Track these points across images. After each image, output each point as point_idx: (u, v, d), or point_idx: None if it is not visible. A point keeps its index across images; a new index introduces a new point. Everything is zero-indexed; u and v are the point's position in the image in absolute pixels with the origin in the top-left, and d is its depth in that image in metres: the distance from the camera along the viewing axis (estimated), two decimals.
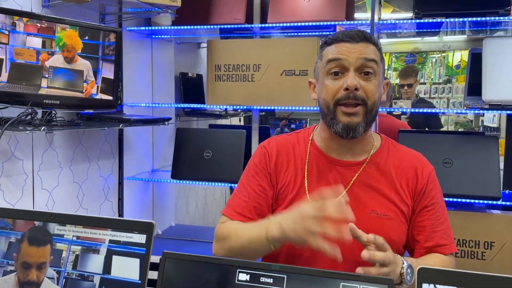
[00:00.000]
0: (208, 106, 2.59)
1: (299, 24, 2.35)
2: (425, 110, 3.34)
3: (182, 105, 2.86)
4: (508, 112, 2.10)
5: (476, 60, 2.55)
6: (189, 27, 2.49)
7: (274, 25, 2.40)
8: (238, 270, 0.78)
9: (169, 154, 3.06)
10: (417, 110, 2.81)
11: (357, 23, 2.29)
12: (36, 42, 1.73)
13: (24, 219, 0.88)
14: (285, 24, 2.38)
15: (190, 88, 3.26)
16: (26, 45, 1.69)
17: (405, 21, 2.17)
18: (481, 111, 2.24)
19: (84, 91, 1.87)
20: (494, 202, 2.21)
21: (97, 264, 0.81)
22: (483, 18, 2.13)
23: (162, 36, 2.85)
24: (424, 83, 8.48)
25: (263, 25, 2.45)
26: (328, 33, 2.47)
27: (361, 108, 1.20)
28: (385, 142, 1.36)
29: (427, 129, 4.18)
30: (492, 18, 2.11)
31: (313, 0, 2.35)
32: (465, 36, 7.01)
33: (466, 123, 8.33)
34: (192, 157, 2.56)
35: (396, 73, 7.36)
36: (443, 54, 8.30)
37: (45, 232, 0.84)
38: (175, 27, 2.52)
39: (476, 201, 2.17)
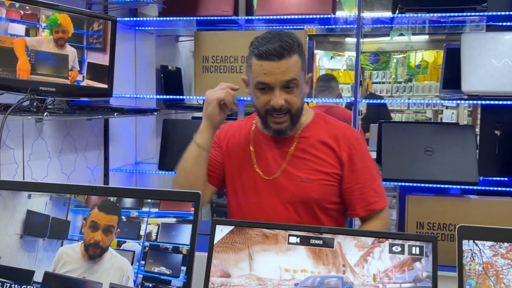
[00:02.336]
0: (192, 97, 2.61)
1: (287, 17, 2.41)
2: (408, 101, 3.47)
3: (169, 97, 2.86)
4: (486, 102, 2.22)
5: (451, 55, 2.69)
6: (176, 18, 2.50)
7: (262, 17, 2.44)
8: (288, 234, 0.82)
9: (151, 147, 3.05)
10: (407, 101, 2.93)
11: (344, 17, 2.37)
12: (18, 29, 1.69)
13: (65, 193, 0.89)
14: (273, 17, 2.43)
15: (170, 81, 3.26)
16: (8, 32, 1.64)
17: (395, 15, 2.26)
18: (461, 102, 2.36)
19: (69, 77, 1.84)
20: (470, 187, 2.34)
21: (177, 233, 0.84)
22: (462, 14, 2.25)
23: (146, 28, 2.84)
24: (384, 82, 8.76)
25: (252, 17, 2.49)
26: (315, 26, 2.54)
27: (287, 116, 1.46)
28: (317, 118, 1.60)
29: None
30: (470, 14, 2.24)
31: None
32: (427, 36, 7.30)
33: (425, 120, 8.66)
34: (179, 148, 2.55)
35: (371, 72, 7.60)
36: (404, 55, 8.59)
37: (115, 205, 0.87)
38: (164, 18, 2.52)
39: (456, 186, 2.29)
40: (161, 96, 2.89)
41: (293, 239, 0.82)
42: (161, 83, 3.15)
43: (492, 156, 2.47)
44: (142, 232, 0.85)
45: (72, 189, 0.90)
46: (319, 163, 1.52)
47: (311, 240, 0.81)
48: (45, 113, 1.55)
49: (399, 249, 0.78)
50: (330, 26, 2.63)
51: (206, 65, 2.51)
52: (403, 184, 2.34)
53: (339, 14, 2.70)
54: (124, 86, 2.70)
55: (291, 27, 2.63)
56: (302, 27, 2.58)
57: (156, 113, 2.35)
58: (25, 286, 0.84)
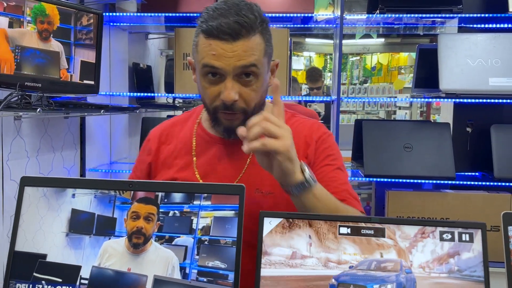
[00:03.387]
0: (164, 95, 2.57)
1: (270, 15, 2.41)
2: (387, 98, 3.55)
3: (143, 95, 2.79)
4: (460, 100, 2.32)
5: (423, 56, 2.79)
6: (158, 14, 2.45)
7: None
8: (338, 224, 0.82)
9: (124, 146, 2.98)
10: (403, 99, 3.00)
11: (326, 15, 2.40)
12: (1, 21, 1.60)
13: (102, 188, 0.86)
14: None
15: (141, 79, 3.19)
16: None
17: (375, 15, 2.32)
18: (438, 100, 2.46)
19: (61, 76, 1.77)
20: (444, 182, 2.44)
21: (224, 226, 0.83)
22: (439, 15, 2.34)
23: (120, 24, 2.76)
24: (343, 84, 8.97)
25: None
26: (298, 25, 2.56)
27: (240, 115, 1.10)
28: None
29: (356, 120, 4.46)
30: (445, 15, 2.33)
31: None
32: (383, 39, 7.55)
33: (378, 119, 8.93)
34: None
35: (331, 74, 7.73)
36: (360, 57, 8.84)
37: (153, 198, 0.85)
38: (144, 14, 2.46)
39: (434, 181, 2.38)
40: (140, 94, 2.82)
41: (343, 230, 0.82)
42: (133, 81, 3.08)
43: (464, 152, 2.58)
44: (194, 226, 0.83)
45: (107, 185, 0.87)
46: None
47: (362, 230, 0.82)
48: (38, 109, 1.48)
49: (449, 236, 0.80)
50: (310, 26, 2.66)
51: (186, 62, 2.48)
52: (383, 180, 2.41)
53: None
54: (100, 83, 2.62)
55: (277, 25, 2.64)
56: (284, 25, 2.59)
57: (137, 111, 2.29)
58: (72, 282, 0.82)
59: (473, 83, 2.28)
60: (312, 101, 4.79)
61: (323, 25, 2.66)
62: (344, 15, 2.37)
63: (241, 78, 1.07)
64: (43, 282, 0.82)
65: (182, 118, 1.31)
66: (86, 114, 2.03)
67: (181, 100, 3.28)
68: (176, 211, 0.84)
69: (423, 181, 2.39)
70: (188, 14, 2.46)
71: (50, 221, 0.85)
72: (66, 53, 1.77)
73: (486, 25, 2.49)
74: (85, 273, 0.82)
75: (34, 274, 0.82)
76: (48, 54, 1.71)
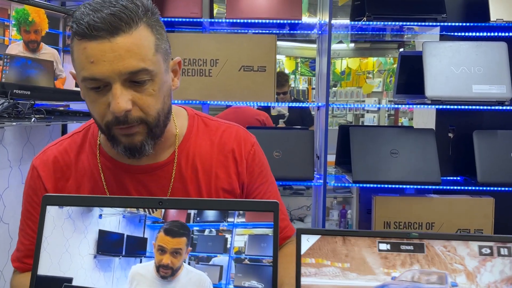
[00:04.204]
0: None
1: (258, 21, 2.40)
2: (374, 104, 3.59)
3: None
4: (448, 107, 2.37)
5: (405, 62, 2.84)
6: None
7: (234, 21, 2.41)
8: (378, 241, 0.81)
9: None
10: (386, 105, 3.02)
11: (314, 23, 2.41)
12: None
13: (129, 207, 0.82)
14: (243, 21, 2.41)
15: None
16: None
17: (362, 22, 2.34)
18: (423, 106, 2.50)
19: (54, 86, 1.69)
20: (427, 187, 2.49)
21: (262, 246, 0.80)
22: (424, 23, 2.38)
23: None
24: (314, 88, 9.05)
25: (223, 20, 2.44)
26: (285, 31, 2.55)
27: (141, 128, 0.92)
28: (193, 122, 1.09)
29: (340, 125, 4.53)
30: (431, 23, 2.38)
31: None
32: (352, 45, 7.66)
33: (346, 124, 9.06)
34: None
35: (301, 77, 7.76)
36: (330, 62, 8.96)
37: (183, 226, 0.80)
38: None
39: (421, 186, 2.42)
40: None
41: (383, 246, 0.81)
42: None
43: (446, 157, 2.64)
44: (228, 245, 0.80)
45: (135, 203, 0.83)
46: (215, 192, 1.05)
47: (402, 246, 0.81)
48: (33, 119, 1.40)
49: (488, 251, 0.80)
50: (296, 32, 2.66)
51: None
52: (370, 185, 2.43)
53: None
54: None
55: (261, 31, 2.63)
56: (271, 31, 2.58)
57: None
58: None
59: (457, 90, 2.34)
60: (298, 107, 4.76)
61: (309, 31, 2.67)
62: (322, 20, 2.39)
63: (132, 84, 0.88)
64: None
65: (73, 141, 1.05)
66: (74, 122, 1.96)
67: None
68: (213, 229, 0.81)
69: (409, 186, 2.43)
70: (173, 19, 2.42)
71: (77, 243, 0.80)
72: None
73: (467, 33, 2.55)
74: None
75: None
76: (45, 66, 1.64)
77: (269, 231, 0.81)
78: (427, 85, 2.35)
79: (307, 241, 0.82)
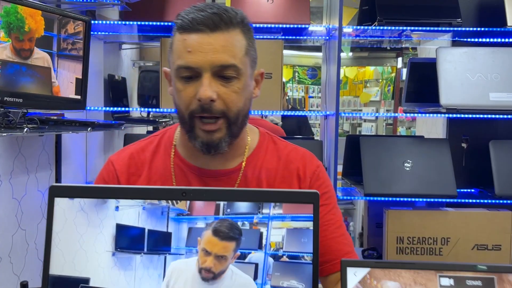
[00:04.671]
0: (138, 109, 2.37)
1: (264, 25, 2.28)
2: (388, 114, 3.47)
3: (124, 109, 2.58)
4: (464, 116, 2.26)
5: (414, 69, 2.73)
6: (140, 23, 2.26)
7: None
8: (439, 275, 0.68)
9: (99, 165, 2.74)
10: (395, 114, 2.92)
11: (325, 26, 2.29)
12: None
13: (148, 199, 0.70)
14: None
15: (116, 92, 2.98)
16: None
17: (373, 27, 2.23)
18: (438, 115, 2.39)
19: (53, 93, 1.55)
20: (442, 200, 2.37)
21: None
22: (438, 28, 2.27)
23: (97, 33, 2.55)
24: (314, 97, 8.96)
25: None
26: (291, 37, 2.44)
27: (222, 122, 0.99)
28: (264, 139, 1.15)
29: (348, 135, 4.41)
30: (445, 28, 2.27)
31: (276, 2, 2.30)
32: (351, 54, 7.58)
33: (343, 133, 8.97)
34: None
35: (300, 85, 7.66)
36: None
37: (234, 227, 0.69)
38: (126, 23, 2.26)
39: (436, 200, 2.30)
40: (121, 108, 2.61)
41: (445, 281, 0.68)
42: (109, 94, 2.86)
43: (459, 168, 2.52)
44: (264, 241, 0.68)
45: (155, 194, 0.71)
46: None
47: (467, 281, 0.68)
48: (25, 129, 1.27)
49: None
50: (303, 38, 2.55)
51: None
52: (383, 199, 2.30)
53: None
54: None
55: (266, 37, 2.51)
56: (276, 37, 2.46)
57: (123, 127, 2.09)
58: None
59: (474, 98, 2.23)
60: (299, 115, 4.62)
61: (316, 37, 2.55)
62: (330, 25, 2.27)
63: (220, 78, 0.97)
64: None
65: (150, 142, 1.13)
66: (70, 132, 1.82)
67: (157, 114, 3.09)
68: (246, 222, 0.69)
69: (424, 199, 2.31)
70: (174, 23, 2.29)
71: (92, 239, 0.70)
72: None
73: (480, 39, 2.45)
74: None
75: None
76: (43, 74, 1.50)
77: (309, 224, 0.69)
78: (442, 93, 2.23)
79: (354, 276, 0.69)
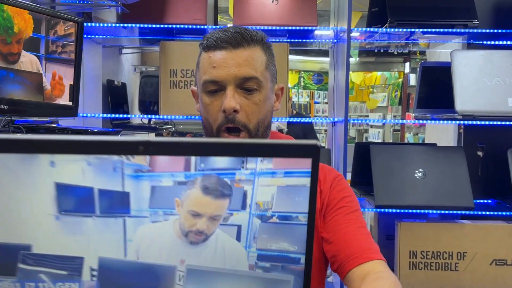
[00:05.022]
0: (139, 116, 2.26)
1: (268, 27, 2.17)
2: (399, 121, 3.36)
3: (125, 116, 2.47)
4: (481, 122, 2.13)
5: (426, 74, 2.61)
6: (139, 25, 2.15)
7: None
8: None
9: None
10: (401, 121, 2.79)
11: (332, 28, 2.18)
12: None
13: (102, 153, 0.54)
14: (252, 27, 2.17)
15: (116, 98, 2.87)
16: None
17: (384, 29, 2.11)
18: (453, 122, 2.26)
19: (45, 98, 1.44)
20: (455, 212, 2.24)
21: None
22: (452, 30, 2.15)
23: (94, 37, 2.44)
24: (320, 102, 8.84)
25: (229, 26, 2.21)
26: (297, 40, 2.32)
27: (244, 135, 1.06)
28: None
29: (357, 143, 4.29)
30: (461, 30, 2.15)
31: (281, 3, 2.18)
32: (357, 59, 7.46)
33: (350, 140, 8.84)
34: None
35: (305, 91, 7.54)
36: None
37: (224, 184, 0.56)
38: (125, 25, 2.16)
39: (452, 211, 2.17)
40: (120, 115, 2.50)
41: None
42: (107, 100, 2.75)
43: (474, 178, 2.39)
44: (248, 200, 0.57)
45: (100, 148, 0.54)
46: None
47: None
48: None
49: None
50: (309, 41, 2.43)
51: (174, 80, 2.19)
52: (395, 211, 2.18)
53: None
54: None
55: (271, 40, 2.39)
56: (283, 40, 2.35)
57: (120, 135, 1.97)
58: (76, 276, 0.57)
59: (491, 104, 2.10)
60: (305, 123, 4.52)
61: (323, 40, 2.43)
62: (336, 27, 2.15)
63: (243, 90, 1.05)
64: (38, 277, 0.57)
65: None
66: None
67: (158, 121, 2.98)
68: (226, 180, 0.56)
69: (438, 211, 2.18)
70: (174, 26, 2.18)
71: (27, 201, 0.56)
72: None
73: (498, 42, 2.32)
74: (93, 263, 0.57)
75: (20, 265, 0.57)
76: (25, 76, 1.38)
77: (305, 181, 0.56)
78: (457, 99, 2.11)
79: None
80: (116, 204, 0.56)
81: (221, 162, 0.56)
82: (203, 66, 1.07)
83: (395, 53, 6.80)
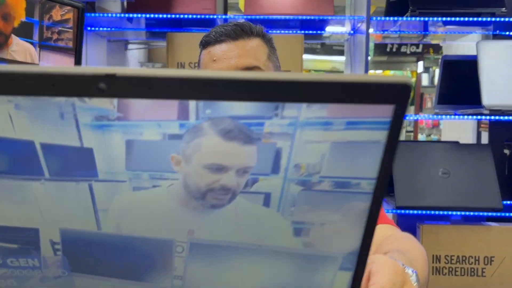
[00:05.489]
0: None
1: (280, 17, 2.04)
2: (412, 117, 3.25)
3: None
4: (509, 118, 1.99)
5: (448, 68, 2.46)
6: (145, 15, 2.03)
7: (251, 17, 2.05)
8: None
9: None
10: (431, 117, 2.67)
11: (349, 18, 2.05)
12: None
13: (38, 95, 0.36)
14: (263, 17, 2.05)
15: None
16: None
17: (405, 18, 1.97)
18: (482, 118, 2.12)
19: None
20: (479, 214, 2.10)
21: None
22: (479, 19, 2.01)
23: (99, 30, 2.33)
24: None
25: (239, 15, 2.09)
26: (311, 32, 2.19)
27: None
28: None
29: None
30: (488, 19, 2.01)
31: None
32: (372, 56, 7.31)
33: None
34: None
35: None
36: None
37: (245, 128, 0.34)
38: (129, 15, 2.04)
39: (479, 213, 2.03)
40: None
41: None
42: None
43: (501, 177, 2.24)
44: (283, 162, 0.37)
45: (44, 88, 0.33)
46: None
47: None
48: None
49: None
50: (324, 32, 2.30)
51: None
52: (416, 212, 2.04)
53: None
54: None
55: (285, 31, 2.26)
56: (296, 31, 2.22)
57: None
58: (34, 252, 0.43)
59: None
60: None
61: (339, 32, 2.31)
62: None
63: None
64: None
65: None
66: None
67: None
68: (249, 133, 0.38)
69: (465, 212, 2.03)
70: (182, 16, 2.06)
71: None
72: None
73: None
74: (55, 237, 0.43)
75: None
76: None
77: (379, 136, 0.36)
78: (484, 92, 1.97)
79: None
80: (74, 164, 0.39)
81: (240, 107, 0.36)
82: (204, 62, 1.06)
83: (408, 52, 6.64)
